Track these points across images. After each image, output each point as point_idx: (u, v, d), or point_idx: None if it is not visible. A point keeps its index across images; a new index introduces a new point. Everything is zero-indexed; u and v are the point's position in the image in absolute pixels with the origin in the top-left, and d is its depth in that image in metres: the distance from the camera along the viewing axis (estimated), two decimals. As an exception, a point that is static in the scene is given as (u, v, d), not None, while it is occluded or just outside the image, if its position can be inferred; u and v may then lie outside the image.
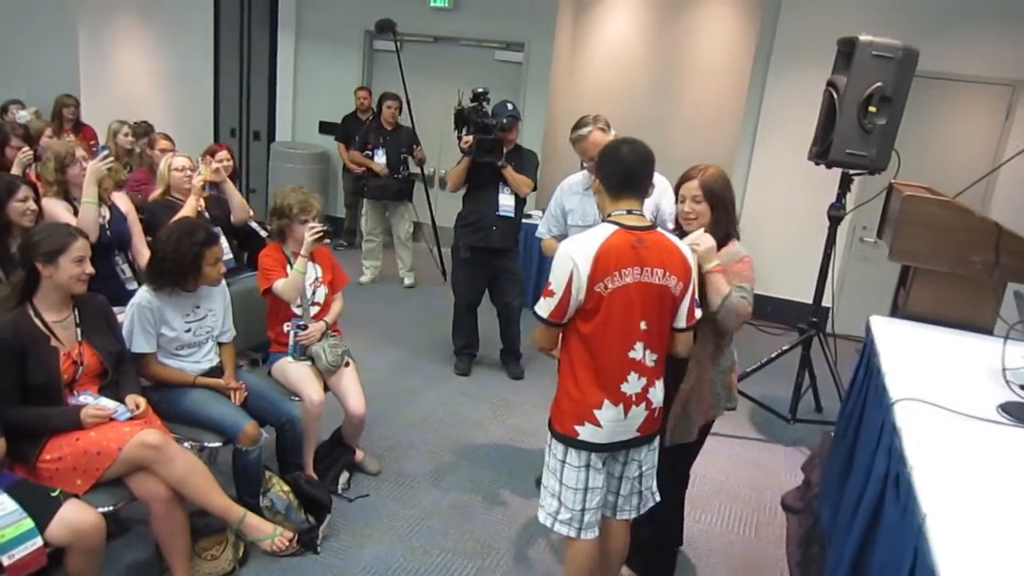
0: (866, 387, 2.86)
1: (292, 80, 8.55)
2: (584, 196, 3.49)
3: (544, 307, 2.35)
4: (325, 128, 8.42)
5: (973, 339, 3.10)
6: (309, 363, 3.52)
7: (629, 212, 2.36)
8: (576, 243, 2.34)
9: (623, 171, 2.39)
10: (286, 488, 3.15)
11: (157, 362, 3.09)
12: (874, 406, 2.56)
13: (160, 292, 3.04)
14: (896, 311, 3.53)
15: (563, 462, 2.45)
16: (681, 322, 2.44)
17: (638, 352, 2.34)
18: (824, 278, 4.69)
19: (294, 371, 3.48)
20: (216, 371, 3.24)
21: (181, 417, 3.07)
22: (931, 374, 2.58)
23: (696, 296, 2.46)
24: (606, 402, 2.35)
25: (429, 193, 7.33)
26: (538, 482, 3.74)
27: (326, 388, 3.55)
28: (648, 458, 2.55)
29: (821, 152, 4.28)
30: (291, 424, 3.29)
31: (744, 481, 4.05)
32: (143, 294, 3.05)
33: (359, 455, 3.77)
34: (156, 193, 4.23)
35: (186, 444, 3.01)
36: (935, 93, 5.99)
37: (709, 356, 2.69)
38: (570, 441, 2.41)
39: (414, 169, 6.98)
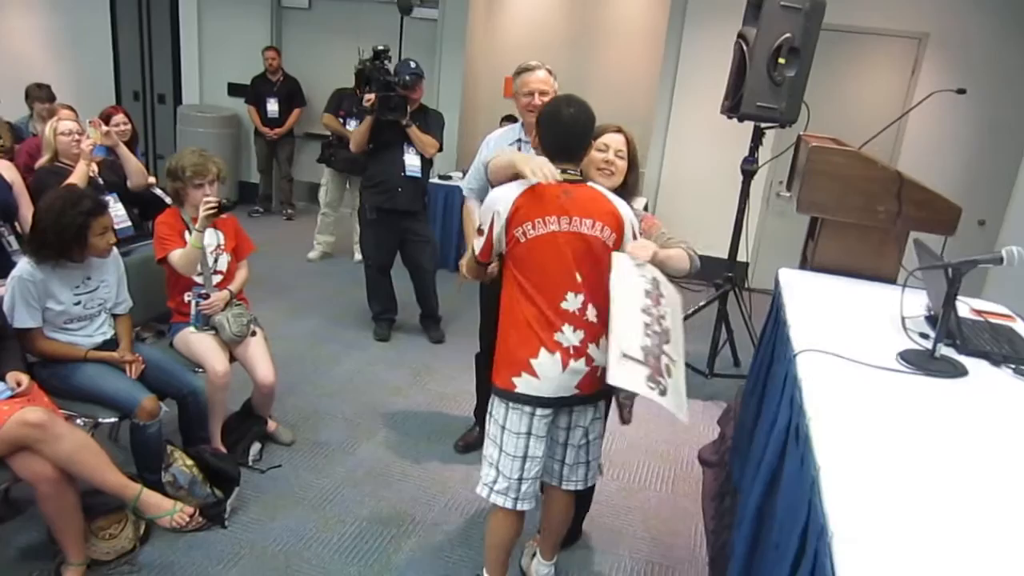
0: (774, 340, 2.88)
1: (197, 40, 8.16)
2: (511, 149, 3.40)
3: (477, 244, 2.46)
4: (234, 90, 8.10)
5: (877, 288, 3.14)
6: (213, 333, 3.38)
7: (563, 171, 2.36)
8: (502, 189, 2.39)
9: (564, 138, 2.39)
10: (189, 462, 3.01)
11: (44, 337, 2.90)
12: (780, 358, 2.57)
13: (43, 265, 2.84)
14: (805, 263, 3.57)
15: (503, 427, 2.40)
16: None
17: (571, 303, 2.31)
18: (739, 233, 4.73)
19: (197, 342, 3.34)
20: (111, 344, 3.07)
21: (73, 393, 2.91)
22: (834, 325, 2.59)
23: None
24: (542, 350, 2.31)
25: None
26: (457, 447, 3.76)
27: (233, 358, 3.42)
28: (594, 426, 2.52)
29: (733, 106, 4.28)
30: (194, 396, 3.15)
31: (662, 437, 4.09)
32: (24, 266, 2.84)
33: (272, 426, 3.66)
34: (43, 160, 4.00)
35: (79, 421, 2.86)
36: (845, 46, 6.08)
37: None
38: (509, 395, 2.37)
39: None
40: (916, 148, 6.18)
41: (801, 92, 4.13)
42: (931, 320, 2.67)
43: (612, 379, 2.04)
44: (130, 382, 2.96)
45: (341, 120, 6.30)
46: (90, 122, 4.14)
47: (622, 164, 2.56)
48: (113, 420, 2.94)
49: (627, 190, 2.60)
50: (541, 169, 2.30)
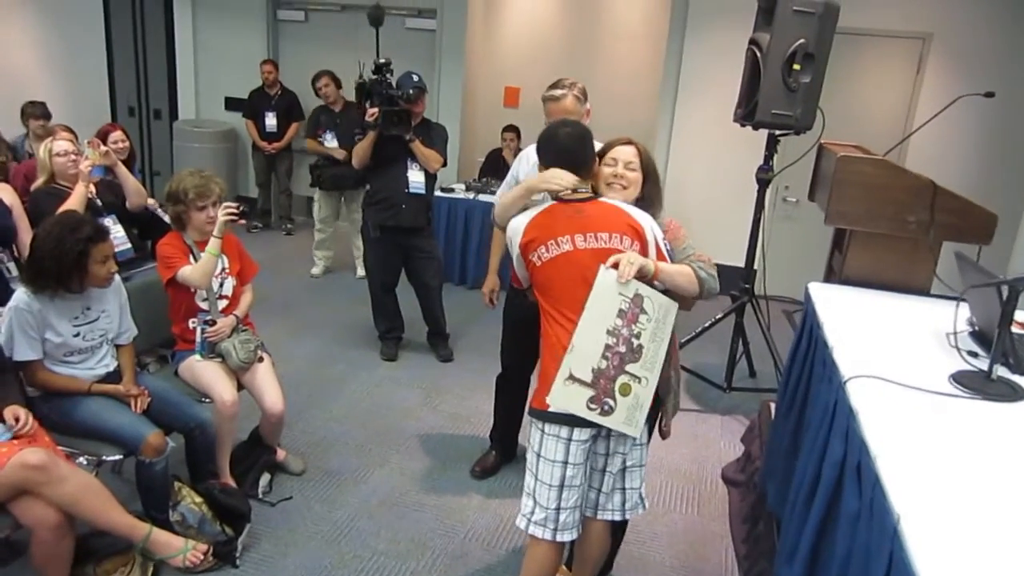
0: (810, 360, 2.74)
1: (192, 54, 8.04)
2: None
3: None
4: (231, 104, 7.97)
5: (910, 301, 3.03)
6: (219, 361, 3.24)
7: (574, 191, 2.35)
8: (516, 219, 2.40)
9: (565, 154, 2.37)
10: (198, 499, 2.88)
11: (45, 369, 2.77)
12: (821, 381, 2.44)
13: (41, 295, 2.71)
14: (832, 276, 3.45)
15: (539, 455, 2.30)
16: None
17: None
18: (755, 243, 4.62)
19: (203, 370, 3.20)
20: (114, 376, 2.94)
21: (75, 429, 2.78)
22: (878, 345, 2.46)
23: (664, 254, 2.36)
24: None
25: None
26: (474, 472, 3.62)
27: (240, 386, 3.28)
28: (634, 453, 2.40)
29: (747, 113, 4.16)
30: (201, 429, 3.01)
31: (684, 455, 3.96)
32: (21, 296, 2.71)
33: (281, 454, 3.52)
34: (39, 182, 3.86)
35: (82, 459, 2.73)
36: (848, 48, 5.96)
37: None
38: (543, 415, 2.26)
39: None
40: (922, 149, 6.05)
41: (816, 98, 4.02)
42: (976, 336, 2.55)
43: (551, 399, 2.17)
44: (134, 417, 2.82)
45: (319, 139, 6.29)
46: (88, 142, 4.01)
47: (634, 176, 2.45)
48: (117, 458, 2.81)
49: (647, 203, 2.47)
50: (555, 180, 2.32)
